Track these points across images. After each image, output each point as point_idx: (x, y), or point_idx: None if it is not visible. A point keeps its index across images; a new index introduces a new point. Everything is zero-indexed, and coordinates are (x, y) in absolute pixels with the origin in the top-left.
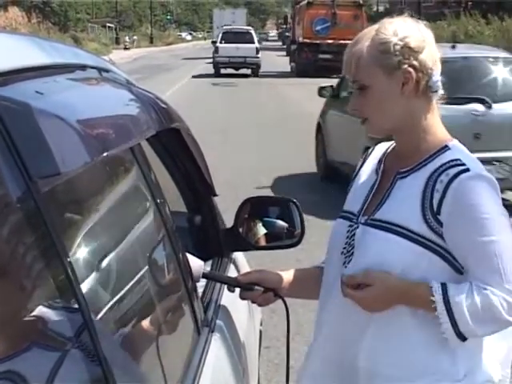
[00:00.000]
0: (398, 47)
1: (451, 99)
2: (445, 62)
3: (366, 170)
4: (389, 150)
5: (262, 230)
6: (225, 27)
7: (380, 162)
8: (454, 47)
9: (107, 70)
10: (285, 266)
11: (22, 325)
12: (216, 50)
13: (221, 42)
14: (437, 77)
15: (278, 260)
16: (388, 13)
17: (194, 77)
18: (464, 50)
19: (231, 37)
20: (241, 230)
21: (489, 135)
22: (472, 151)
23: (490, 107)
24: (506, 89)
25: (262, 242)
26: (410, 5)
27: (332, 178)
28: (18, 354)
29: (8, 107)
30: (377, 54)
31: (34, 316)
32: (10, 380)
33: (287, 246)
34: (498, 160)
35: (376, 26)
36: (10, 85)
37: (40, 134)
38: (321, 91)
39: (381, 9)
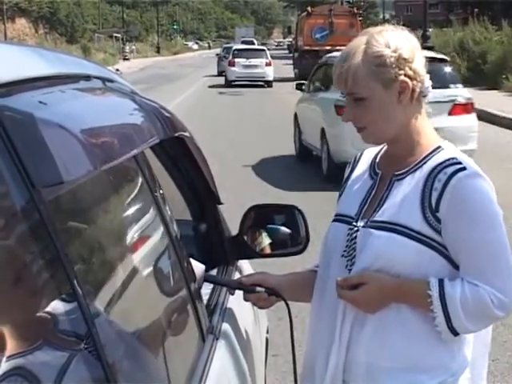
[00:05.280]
0: (393, 59)
1: None
2: None
3: (358, 175)
4: (379, 155)
5: (266, 240)
6: (242, 38)
7: (372, 166)
8: None
9: (111, 80)
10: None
11: (31, 325)
12: None
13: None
14: (428, 82)
15: (285, 267)
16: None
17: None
18: None
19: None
20: (246, 238)
21: None
22: None
23: None
24: None
25: (267, 251)
26: (416, 12)
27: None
28: (31, 351)
29: (12, 117)
30: (373, 67)
31: (40, 318)
32: (21, 376)
33: (292, 254)
34: None
35: (363, 39)
36: (14, 95)
37: (43, 144)
38: (298, 86)
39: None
